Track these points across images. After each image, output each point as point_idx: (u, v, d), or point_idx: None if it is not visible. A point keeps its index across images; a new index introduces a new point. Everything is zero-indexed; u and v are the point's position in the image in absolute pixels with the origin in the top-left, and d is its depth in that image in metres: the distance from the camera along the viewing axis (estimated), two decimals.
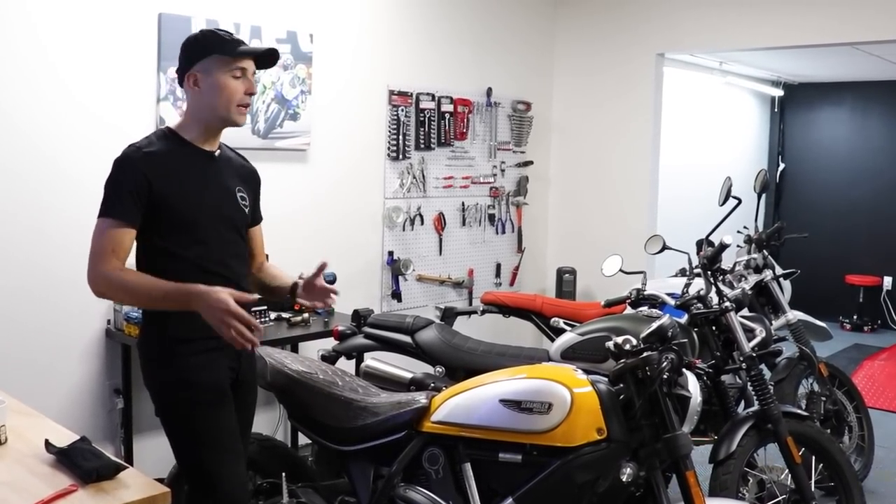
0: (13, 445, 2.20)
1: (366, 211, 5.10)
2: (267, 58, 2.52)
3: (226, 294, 2.22)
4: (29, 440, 2.23)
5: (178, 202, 2.39)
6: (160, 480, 2.13)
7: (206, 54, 2.42)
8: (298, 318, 4.17)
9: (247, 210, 2.60)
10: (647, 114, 5.88)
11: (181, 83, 2.49)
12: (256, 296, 2.42)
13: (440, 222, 5.52)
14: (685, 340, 2.57)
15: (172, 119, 4.03)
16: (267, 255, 2.84)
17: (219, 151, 2.55)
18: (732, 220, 4.06)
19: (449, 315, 4.53)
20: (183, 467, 2.52)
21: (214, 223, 2.48)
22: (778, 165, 9.67)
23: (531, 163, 6.10)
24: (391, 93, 5.13)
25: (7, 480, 1.98)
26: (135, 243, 2.41)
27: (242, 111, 2.47)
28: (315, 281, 2.61)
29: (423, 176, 5.37)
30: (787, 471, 3.31)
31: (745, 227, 4.92)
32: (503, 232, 6.00)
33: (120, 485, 1.99)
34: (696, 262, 3.89)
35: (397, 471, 2.60)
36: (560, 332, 3.74)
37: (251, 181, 2.68)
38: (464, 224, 5.70)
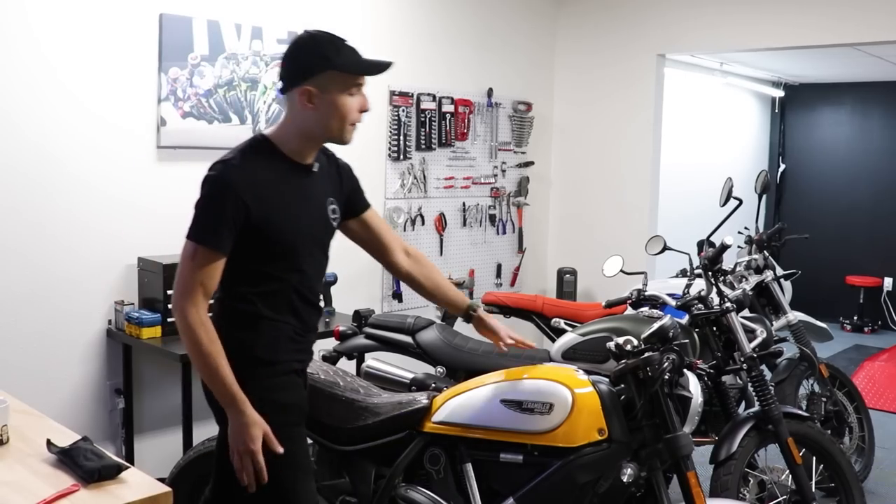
0: (15, 445, 2.20)
1: None
2: (382, 67, 2.34)
3: (260, 433, 2.18)
4: (31, 440, 2.23)
5: (276, 227, 2.25)
6: (161, 480, 2.12)
7: (324, 69, 2.21)
8: None
9: (336, 223, 2.46)
10: (647, 114, 5.88)
11: (284, 91, 2.29)
12: (281, 449, 2.23)
13: (441, 223, 5.52)
14: (686, 341, 2.57)
15: (173, 119, 4.04)
16: None
17: (317, 165, 2.39)
18: (733, 220, 4.06)
19: (450, 315, 4.53)
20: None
21: (310, 247, 2.36)
22: (778, 166, 9.66)
23: (532, 163, 6.11)
24: (392, 93, 5.13)
25: (9, 480, 1.98)
26: None
27: (354, 129, 2.32)
28: (507, 336, 2.65)
29: (424, 176, 5.38)
30: (787, 471, 3.31)
31: (745, 228, 4.92)
32: (504, 232, 6.00)
33: (122, 485, 1.99)
34: (696, 262, 3.90)
35: (398, 471, 2.60)
36: (561, 332, 3.74)
37: (344, 179, 2.52)
38: (464, 224, 5.70)
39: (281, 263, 2.29)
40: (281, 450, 2.23)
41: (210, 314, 2.24)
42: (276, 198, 2.25)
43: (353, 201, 2.56)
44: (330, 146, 2.45)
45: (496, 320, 2.68)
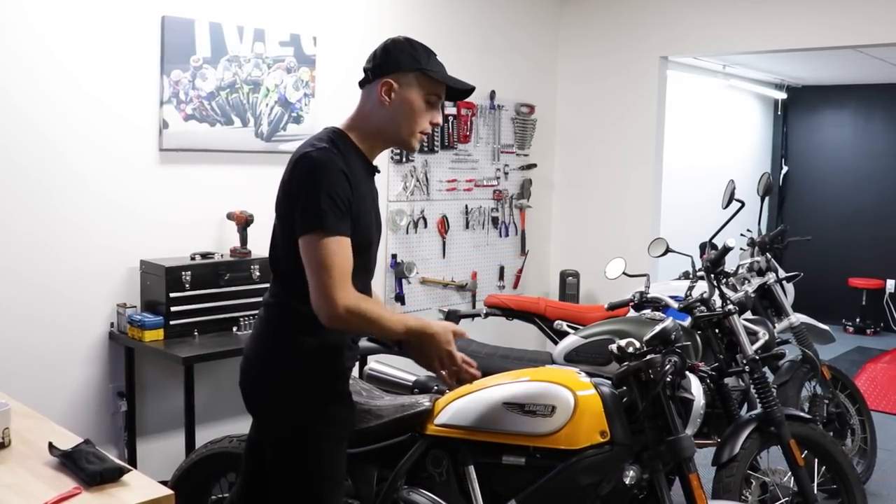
0: (17, 448, 2.20)
1: None
2: (460, 93, 2.35)
3: (449, 333, 2.23)
4: (33, 443, 2.23)
5: (361, 219, 2.21)
6: (163, 483, 2.12)
7: (411, 68, 2.23)
8: None
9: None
10: (650, 117, 5.88)
11: (364, 84, 2.31)
12: (468, 334, 2.30)
13: (444, 225, 5.52)
14: (688, 343, 2.57)
15: (175, 121, 4.04)
16: None
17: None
18: (736, 223, 4.06)
19: (452, 318, 4.53)
20: (292, 501, 2.34)
21: (374, 244, 2.34)
22: (781, 168, 9.66)
23: (534, 166, 6.10)
24: None
25: (11, 483, 1.98)
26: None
27: (420, 138, 2.31)
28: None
29: (427, 179, 5.38)
30: (789, 473, 3.31)
31: (748, 230, 4.92)
32: (506, 235, 6.00)
33: (124, 488, 1.99)
34: (699, 265, 3.89)
35: (400, 473, 2.60)
36: (563, 334, 3.74)
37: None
38: (467, 227, 5.70)
39: (358, 261, 2.20)
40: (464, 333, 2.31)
41: (263, 315, 2.29)
42: (360, 189, 2.22)
43: None
44: None
45: None
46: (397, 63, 2.24)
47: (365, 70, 2.31)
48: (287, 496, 2.32)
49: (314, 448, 2.27)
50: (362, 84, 2.33)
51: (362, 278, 2.28)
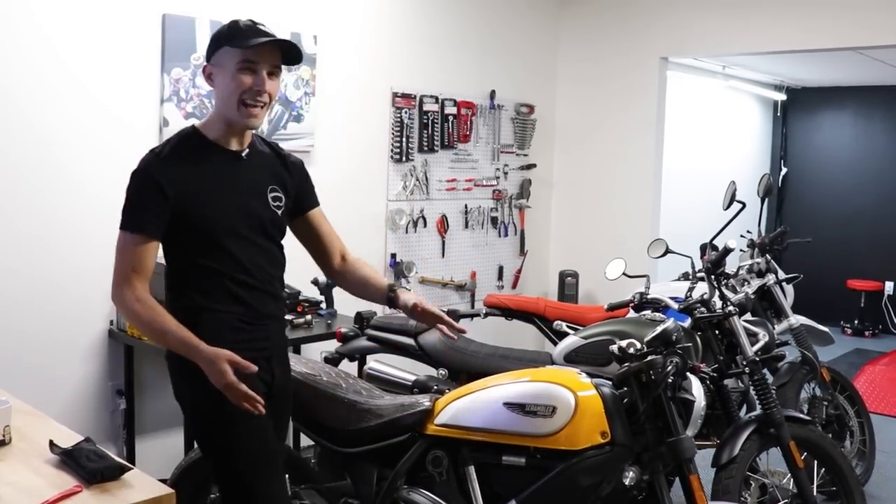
0: (17, 446, 2.20)
1: (369, 213, 5.10)
2: (289, 53, 2.33)
3: (225, 365, 2.13)
4: (33, 440, 2.23)
5: (198, 210, 2.26)
6: (162, 481, 2.12)
7: (220, 46, 2.28)
8: (301, 321, 4.16)
9: (280, 211, 2.43)
10: (650, 117, 5.88)
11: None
12: (255, 368, 2.18)
13: (443, 225, 5.52)
14: (689, 344, 2.58)
15: (175, 119, 4.04)
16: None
17: (247, 151, 2.39)
18: (735, 224, 4.06)
19: (452, 317, 4.51)
20: (221, 485, 2.41)
21: (240, 229, 2.33)
22: (780, 170, 9.66)
23: (534, 166, 6.10)
24: (395, 95, 5.13)
25: (11, 481, 1.98)
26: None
27: (249, 111, 2.26)
28: (428, 309, 2.55)
29: (427, 178, 5.38)
30: (789, 475, 3.31)
31: (748, 232, 4.91)
32: (506, 235, 6.00)
33: (125, 486, 1.99)
34: (699, 266, 3.89)
35: (400, 473, 2.60)
36: (563, 335, 3.74)
37: (294, 174, 2.51)
38: (466, 227, 5.70)
39: (208, 247, 2.30)
40: (254, 368, 2.18)
41: None
42: (197, 179, 2.28)
43: (301, 198, 2.55)
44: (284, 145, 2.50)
45: (414, 295, 2.60)
46: (210, 50, 2.31)
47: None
48: (217, 482, 2.42)
49: (218, 430, 2.31)
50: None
51: (232, 266, 2.32)
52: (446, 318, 2.56)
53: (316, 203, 2.61)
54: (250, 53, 2.25)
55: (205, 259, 2.31)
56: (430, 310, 2.56)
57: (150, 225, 2.26)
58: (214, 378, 2.15)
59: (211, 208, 2.29)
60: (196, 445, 3.00)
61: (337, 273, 2.66)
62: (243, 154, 2.38)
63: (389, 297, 2.59)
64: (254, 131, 2.43)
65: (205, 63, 2.33)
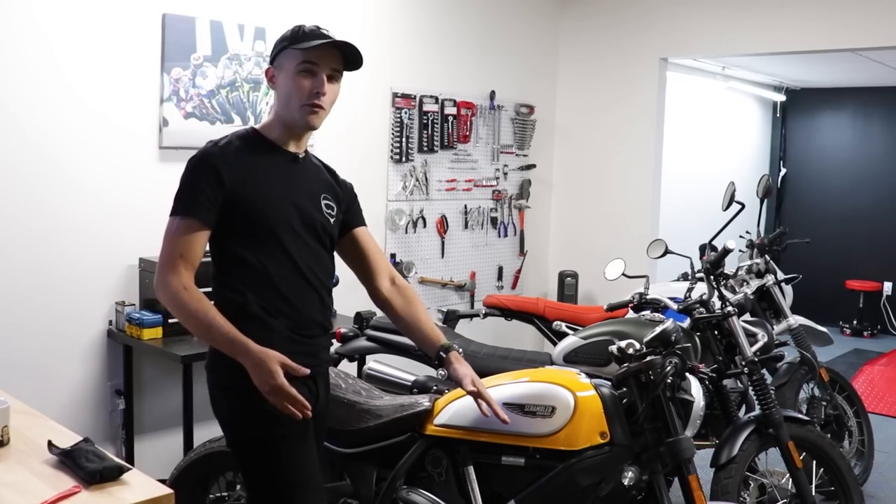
0: (16, 446, 2.19)
1: (368, 213, 4.96)
2: (350, 57, 2.33)
3: (277, 366, 2.08)
4: (32, 441, 2.22)
5: (254, 199, 2.22)
6: (162, 482, 2.12)
7: (282, 49, 2.29)
8: None
9: (332, 220, 2.39)
10: (649, 118, 5.88)
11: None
12: (307, 370, 2.14)
13: (443, 225, 5.52)
14: (688, 345, 2.58)
15: (175, 119, 4.04)
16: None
17: (303, 155, 2.38)
18: (734, 224, 4.06)
19: (451, 318, 4.53)
20: None
21: (295, 225, 2.28)
22: (779, 171, 9.66)
23: (534, 166, 6.10)
24: (394, 95, 5.13)
25: (10, 481, 1.97)
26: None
27: (309, 111, 2.26)
28: (484, 394, 2.39)
29: (426, 178, 5.38)
30: (787, 475, 3.32)
31: (747, 232, 4.92)
32: (505, 235, 6.00)
33: (123, 486, 1.99)
34: (698, 266, 3.90)
35: (400, 473, 2.60)
36: (562, 335, 3.75)
37: (345, 191, 2.50)
38: (466, 227, 5.70)
39: (261, 241, 2.24)
40: (306, 371, 2.14)
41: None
42: (255, 174, 2.25)
43: (349, 215, 2.52)
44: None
45: (468, 368, 2.45)
46: (273, 52, 2.34)
47: None
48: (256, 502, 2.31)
49: (273, 451, 2.23)
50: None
51: (284, 262, 2.26)
52: (496, 407, 2.39)
53: (363, 222, 2.58)
54: (310, 55, 2.25)
55: (256, 254, 2.24)
56: (486, 395, 2.39)
57: (203, 210, 2.19)
58: (262, 378, 2.09)
59: (267, 199, 2.25)
60: (196, 445, 3.01)
61: (385, 298, 2.55)
62: (300, 156, 2.37)
63: (440, 358, 2.47)
64: (309, 145, 2.44)
65: (268, 66, 2.36)
